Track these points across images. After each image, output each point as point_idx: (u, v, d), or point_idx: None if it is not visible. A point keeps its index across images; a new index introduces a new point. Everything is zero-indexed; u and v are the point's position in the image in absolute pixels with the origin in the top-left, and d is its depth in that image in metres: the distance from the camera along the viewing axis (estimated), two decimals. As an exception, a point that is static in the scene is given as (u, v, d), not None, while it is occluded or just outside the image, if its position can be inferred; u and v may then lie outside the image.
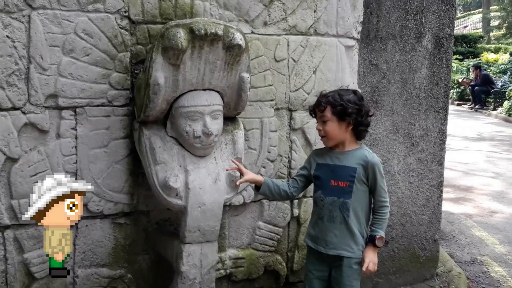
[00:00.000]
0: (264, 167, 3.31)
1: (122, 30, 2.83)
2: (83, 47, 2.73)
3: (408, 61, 3.89)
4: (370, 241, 2.75)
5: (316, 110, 2.77)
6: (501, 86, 17.21)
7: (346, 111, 2.67)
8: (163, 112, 2.74)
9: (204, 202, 2.74)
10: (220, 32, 2.56)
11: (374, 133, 3.83)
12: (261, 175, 3.27)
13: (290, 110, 3.36)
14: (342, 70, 3.49)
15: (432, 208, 4.23)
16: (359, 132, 2.78)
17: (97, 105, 2.81)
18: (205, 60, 2.63)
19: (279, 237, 3.45)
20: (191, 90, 2.71)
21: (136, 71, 2.91)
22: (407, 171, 4.04)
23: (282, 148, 3.37)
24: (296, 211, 3.47)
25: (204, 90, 2.74)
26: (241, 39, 2.62)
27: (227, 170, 2.82)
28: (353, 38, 3.53)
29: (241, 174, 2.85)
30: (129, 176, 2.94)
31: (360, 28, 3.56)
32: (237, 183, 2.83)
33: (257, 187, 2.92)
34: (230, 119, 2.96)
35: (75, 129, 2.78)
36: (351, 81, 3.55)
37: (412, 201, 4.12)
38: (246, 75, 2.77)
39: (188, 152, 2.78)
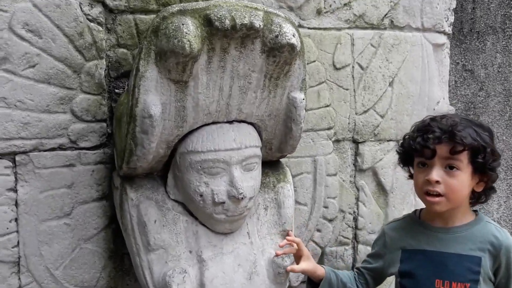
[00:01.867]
0: (319, 230, 2.18)
1: (92, 24, 1.71)
2: (24, 53, 1.62)
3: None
4: None
5: (436, 148, 1.57)
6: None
7: (493, 163, 1.54)
8: (160, 160, 1.63)
9: (232, 314, 1.61)
10: (258, 23, 1.45)
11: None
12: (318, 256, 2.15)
13: (356, 142, 2.23)
14: (430, 80, 2.35)
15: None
16: (487, 194, 1.65)
17: (52, 149, 1.70)
18: (232, 73, 1.52)
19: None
20: (208, 124, 1.59)
21: (117, 90, 1.79)
22: (510, 218, 2.89)
23: (344, 200, 2.23)
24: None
25: (230, 122, 1.62)
26: (293, 35, 1.50)
27: (277, 255, 1.69)
28: (443, 32, 2.39)
29: (299, 256, 1.72)
30: (108, 260, 1.83)
31: (452, 19, 2.42)
32: (288, 269, 1.69)
33: (311, 282, 1.78)
34: (269, 165, 1.83)
35: (14, 190, 1.67)
36: (441, 96, 2.42)
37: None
38: (299, 96, 1.64)
39: (204, 227, 1.66)
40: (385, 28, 2.22)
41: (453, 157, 1.54)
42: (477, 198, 1.65)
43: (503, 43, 2.70)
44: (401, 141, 1.72)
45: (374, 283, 1.79)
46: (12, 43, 1.60)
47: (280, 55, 1.51)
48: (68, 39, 1.68)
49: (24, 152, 1.66)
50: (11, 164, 1.65)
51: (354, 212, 2.26)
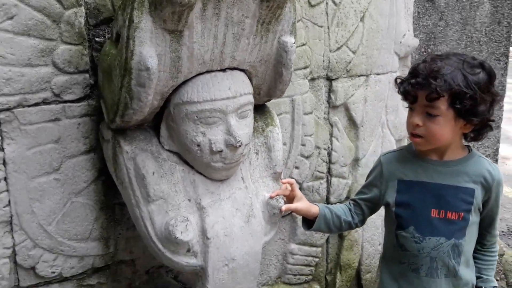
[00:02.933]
0: (297, 167, 2.24)
1: (69, -30, 1.61)
2: (1, 4, 1.52)
3: (469, -7, 2.81)
4: None
5: (417, 93, 1.62)
6: None
7: (476, 108, 1.59)
8: (153, 111, 1.60)
9: (233, 256, 1.66)
10: (255, -32, 1.41)
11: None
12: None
13: (330, 79, 2.27)
14: (397, 14, 2.40)
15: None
16: (480, 134, 1.72)
17: (36, 104, 1.63)
18: (226, 20, 1.49)
19: (317, 259, 2.43)
20: (202, 73, 1.57)
21: (97, 39, 1.72)
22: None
23: (320, 137, 2.29)
24: (338, 221, 2.44)
25: (223, 70, 1.60)
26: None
27: (271, 197, 1.73)
28: (407, -37, 2.41)
29: (292, 197, 1.78)
30: (100, 211, 1.82)
31: None
32: (283, 208, 1.74)
33: (306, 220, 1.85)
34: (256, 109, 1.83)
35: (1, 149, 1.60)
36: (406, 28, 2.48)
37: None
38: (290, 40, 1.64)
39: (200, 175, 1.67)
40: (356, -38, 2.21)
41: (431, 104, 1.58)
42: (471, 136, 1.72)
43: (461, -28, 2.76)
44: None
45: (370, 212, 1.87)
46: (-12, -6, 1.50)
47: (273, 0, 1.50)
48: (46, -14, 1.58)
49: (8, 109, 1.58)
50: (-5, 122, 1.58)
51: (328, 147, 2.33)
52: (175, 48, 1.46)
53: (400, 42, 2.42)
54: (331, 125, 2.32)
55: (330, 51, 2.21)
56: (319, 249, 2.41)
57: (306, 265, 2.38)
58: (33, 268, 1.73)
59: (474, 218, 1.69)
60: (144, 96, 1.46)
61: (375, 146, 2.45)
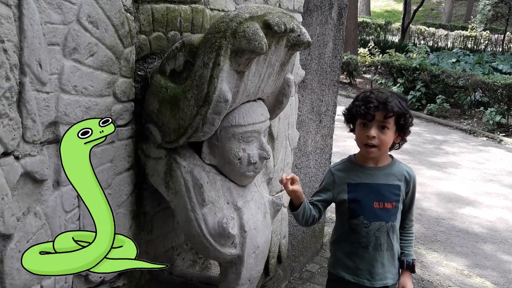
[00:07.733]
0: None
1: (128, 14, 1.90)
2: (88, 43, 1.75)
3: (323, 34, 3.64)
4: (408, 267, 2.48)
5: (375, 114, 2.27)
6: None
7: (409, 125, 2.33)
8: (202, 133, 1.99)
9: (258, 244, 2.13)
10: (295, 27, 1.94)
11: (301, 114, 3.52)
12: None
13: (260, 103, 2.82)
14: (297, 51, 3.06)
15: (323, 181, 4.17)
16: (402, 143, 2.46)
17: (101, 129, 1.87)
18: (268, 63, 1.98)
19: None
20: (243, 103, 2.02)
21: (139, 72, 2.02)
22: (316, 149, 3.88)
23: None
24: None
25: (255, 100, 2.07)
26: (309, 35, 2.04)
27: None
28: (300, 12, 3.11)
29: (293, 182, 2.31)
30: (132, 220, 2.09)
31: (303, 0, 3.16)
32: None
33: (292, 205, 2.40)
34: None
35: (76, 170, 1.81)
36: (299, 62, 3.16)
37: (316, 178, 3.99)
38: (291, 77, 2.19)
39: (232, 183, 2.09)
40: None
41: (385, 120, 2.29)
42: (392, 145, 2.45)
43: (321, 17, 3.55)
44: (349, 106, 2.40)
45: (324, 209, 2.49)
46: (81, 34, 1.71)
47: (298, 49, 2.03)
48: (115, 28, 1.84)
49: (84, 134, 1.80)
50: (74, 146, 1.78)
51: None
52: (237, 84, 1.88)
53: (297, 73, 3.10)
54: (260, 139, 2.87)
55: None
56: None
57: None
58: (85, 276, 1.93)
59: (400, 206, 2.42)
60: (217, 122, 1.86)
61: (282, 155, 3.08)
